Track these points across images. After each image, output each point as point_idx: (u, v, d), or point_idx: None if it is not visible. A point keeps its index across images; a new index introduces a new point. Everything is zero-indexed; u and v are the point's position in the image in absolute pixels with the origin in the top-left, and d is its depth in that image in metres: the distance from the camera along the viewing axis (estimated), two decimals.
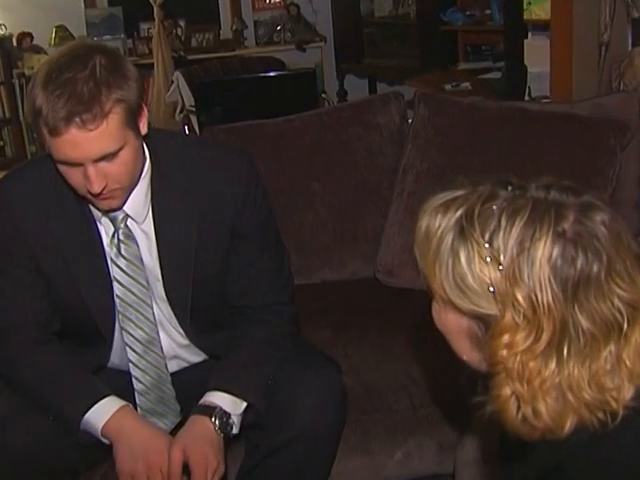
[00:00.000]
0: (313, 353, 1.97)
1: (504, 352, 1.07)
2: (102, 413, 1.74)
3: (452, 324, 1.15)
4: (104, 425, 1.73)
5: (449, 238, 1.10)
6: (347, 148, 2.69)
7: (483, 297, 1.08)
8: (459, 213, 1.10)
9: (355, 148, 2.68)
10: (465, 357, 1.19)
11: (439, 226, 1.11)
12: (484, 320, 1.10)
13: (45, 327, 1.87)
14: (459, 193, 1.14)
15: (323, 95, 5.29)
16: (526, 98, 3.85)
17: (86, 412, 1.74)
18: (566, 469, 1.12)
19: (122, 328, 1.86)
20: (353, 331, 2.36)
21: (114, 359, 1.92)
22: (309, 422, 1.78)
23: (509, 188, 1.12)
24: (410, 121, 2.72)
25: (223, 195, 1.81)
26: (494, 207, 1.09)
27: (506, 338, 1.06)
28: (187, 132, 4.57)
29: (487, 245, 1.07)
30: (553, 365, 1.06)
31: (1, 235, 1.83)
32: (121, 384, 1.85)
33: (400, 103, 2.75)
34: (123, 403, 1.78)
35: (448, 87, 4.48)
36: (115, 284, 1.83)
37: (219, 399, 1.78)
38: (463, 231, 1.09)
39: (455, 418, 2.02)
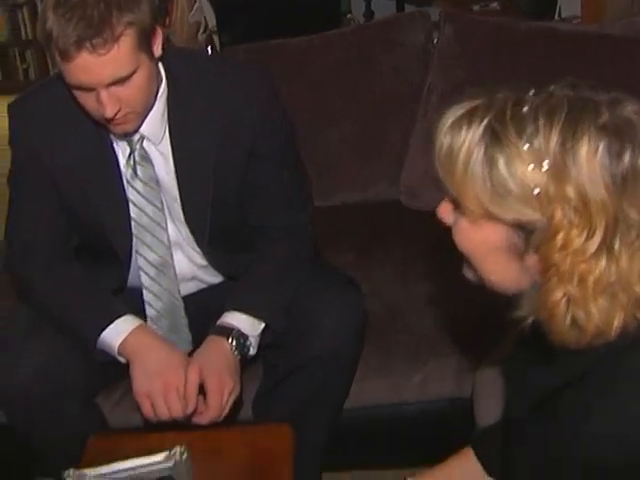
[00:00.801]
0: (334, 275, 1.96)
1: (557, 255, 1.04)
2: (119, 332, 1.74)
3: (486, 241, 1.11)
4: (121, 344, 1.73)
5: (480, 147, 1.05)
6: (371, 67, 2.63)
7: (527, 202, 1.04)
8: (487, 120, 1.06)
9: (379, 67, 2.63)
10: (494, 277, 1.14)
11: (465, 138, 1.07)
12: (526, 228, 1.06)
13: (63, 245, 1.86)
14: (478, 102, 1.10)
15: (349, 16, 5.17)
16: (556, 18, 3.76)
17: (103, 330, 1.74)
18: (593, 378, 1.10)
19: (136, 251, 1.84)
20: (375, 254, 2.35)
21: (132, 281, 1.91)
22: (329, 343, 1.78)
23: (531, 92, 1.08)
24: (435, 41, 2.65)
25: (242, 114, 1.78)
26: (525, 108, 1.05)
27: (560, 239, 1.03)
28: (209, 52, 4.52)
29: (527, 146, 1.03)
30: (604, 262, 1.04)
31: (16, 153, 1.82)
32: (137, 309, 1.84)
33: (426, 22, 2.68)
34: (140, 322, 1.77)
35: (476, 8, 4.39)
36: (131, 206, 1.81)
37: (236, 320, 1.77)
38: (497, 136, 1.04)
39: (475, 342, 2.00)
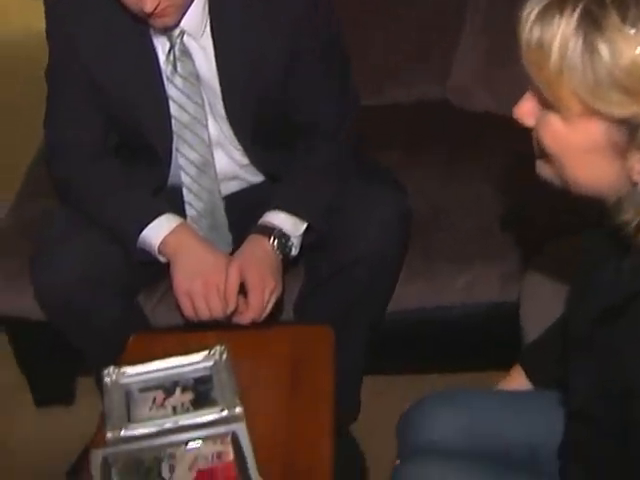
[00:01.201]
0: (378, 174, 1.92)
1: None
2: (159, 230, 1.72)
3: (583, 140, 1.02)
4: (161, 242, 1.71)
5: (578, 36, 0.96)
6: None
7: (634, 92, 0.95)
8: (581, 5, 0.97)
9: None
10: (584, 179, 1.05)
11: (558, 28, 0.97)
12: (631, 123, 0.97)
13: (102, 143, 1.83)
14: None
15: None
16: None
17: (143, 229, 1.72)
18: None
19: (177, 150, 1.80)
20: (421, 154, 2.29)
21: (172, 181, 1.88)
22: (372, 244, 1.74)
23: None
24: None
25: (286, 10, 1.71)
26: None
27: None
28: None
29: (632, 31, 0.94)
30: None
31: (53, 47, 1.78)
32: (177, 209, 1.81)
33: None
34: (181, 220, 1.75)
35: None
36: (171, 103, 1.77)
37: (278, 219, 1.74)
38: (596, 21, 0.95)
39: (523, 244, 1.95)
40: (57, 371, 2.29)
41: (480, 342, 2.09)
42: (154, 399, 1.49)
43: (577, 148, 1.03)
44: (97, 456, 1.37)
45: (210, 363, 1.54)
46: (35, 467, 2.17)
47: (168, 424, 1.42)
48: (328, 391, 1.50)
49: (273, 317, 1.73)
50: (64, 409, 2.32)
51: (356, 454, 2.07)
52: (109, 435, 1.41)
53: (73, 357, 1.97)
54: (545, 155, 1.07)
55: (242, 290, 1.67)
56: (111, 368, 1.54)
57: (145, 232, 1.72)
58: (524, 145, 1.11)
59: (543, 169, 1.10)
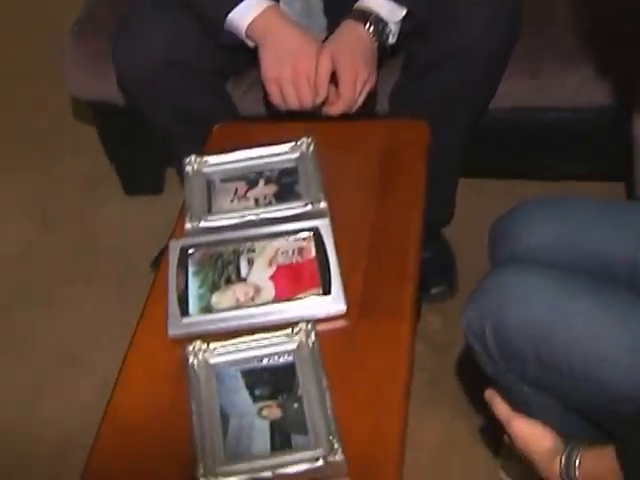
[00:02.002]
0: None
1: None
2: (248, 11, 1.59)
3: None
4: (249, 24, 1.59)
5: None
6: None
7: None
8: None
9: None
10: None
11: None
12: None
13: None
14: None
15: None
16: None
17: (231, 10, 1.60)
18: None
19: None
20: None
21: None
22: (477, 34, 1.59)
23: None
24: None
25: None
26: None
27: None
28: None
29: None
30: None
31: None
32: None
33: None
34: (272, 2, 1.62)
35: None
36: None
37: (376, 4, 1.59)
38: None
39: None
40: (146, 161, 2.26)
41: (584, 150, 1.95)
42: (236, 190, 1.43)
43: None
44: (175, 247, 1.33)
45: (296, 155, 1.46)
46: (122, 257, 2.17)
47: (249, 216, 1.36)
48: (419, 190, 1.41)
49: (365, 110, 1.62)
50: (152, 199, 2.30)
51: (447, 258, 2.00)
52: (188, 226, 1.36)
53: (162, 147, 1.91)
54: None
55: (333, 79, 1.56)
56: (193, 157, 1.48)
57: (233, 14, 1.60)
58: None
59: None
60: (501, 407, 1.16)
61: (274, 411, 1.11)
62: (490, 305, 1.19)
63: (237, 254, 1.30)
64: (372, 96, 1.64)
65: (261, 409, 1.11)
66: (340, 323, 1.21)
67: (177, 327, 1.21)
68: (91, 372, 1.85)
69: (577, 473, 1.03)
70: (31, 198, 2.37)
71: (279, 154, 1.47)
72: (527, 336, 1.14)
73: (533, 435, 1.10)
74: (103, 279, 2.13)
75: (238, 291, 1.26)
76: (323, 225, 1.32)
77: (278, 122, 1.64)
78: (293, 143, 1.47)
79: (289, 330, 1.17)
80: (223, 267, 1.29)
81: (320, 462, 1.02)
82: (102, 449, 1.11)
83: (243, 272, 1.28)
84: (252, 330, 1.19)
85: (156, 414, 1.13)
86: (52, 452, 1.77)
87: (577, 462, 1.03)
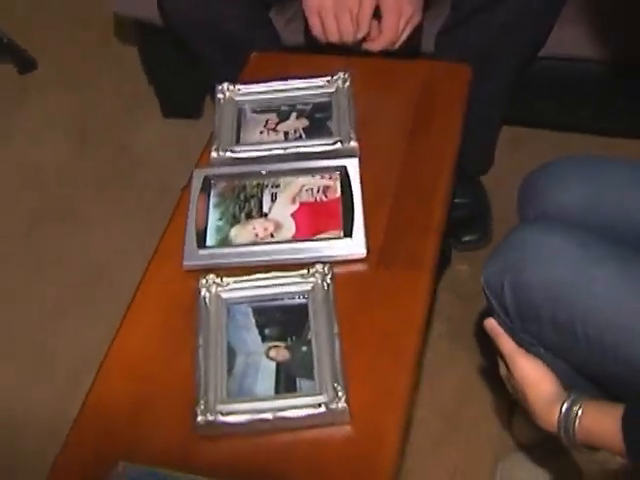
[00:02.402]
0: None
1: None
2: None
3: None
4: None
5: None
6: None
7: None
8: None
9: None
10: None
11: None
12: None
13: None
14: None
15: None
16: None
17: None
18: None
19: None
20: None
21: None
22: None
23: None
24: None
25: None
26: None
27: None
28: None
29: None
30: None
31: None
32: None
33: None
34: None
35: None
36: None
37: None
38: None
39: None
40: (185, 84, 2.22)
41: (629, 105, 1.88)
42: (266, 122, 1.39)
43: None
44: (199, 176, 1.30)
45: (331, 90, 1.42)
46: (156, 180, 2.15)
47: (277, 150, 1.32)
48: (453, 137, 1.35)
49: (408, 49, 1.56)
50: (190, 123, 2.28)
51: (482, 207, 1.95)
52: (214, 155, 1.33)
53: (202, 71, 1.87)
54: None
55: (377, 15, 1.51)
56: (225, 84, 1.44)
57: None
58: None
59: None
60: (505, 340, 1.13)
61: (282, 352, 1.08)
62: (512, 262, 1.15)
63: (260, 188, 1.27)
64: (416, 35, 1.58)
65: (269, 349, 1.09)
66: (358, 267, 1.17)
67: (192, 258, 1.19)
68: (116, 293, 1.84)
69: (577, 424, 1.00)
70: (70, 116, 2.36)
71: (314, 87, 1.42)
72: (546, 297, 1.11)
73: (535, 374, 1.08)
74: (135, 201, 2.12)
75: (258, 226, 1.23)
76: (351, 165, 1.28)
77: (317, 55, 1.58)
78: (329, 77, 1.42)
79: (305, 270, 1.14)
80: (245, 200, 1.26)
81: (322, 408, 1.00)
82: (106, 378, 1.09)
83: (265, 207, 1.25)
84: (268, 267, 1.16)
85: (165, 347, 1.11)
86: (69, 368, 1.78)
87: (579, 413, 1.00)
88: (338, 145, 1.31)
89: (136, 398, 1.07)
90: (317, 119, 1.38)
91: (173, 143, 2.23)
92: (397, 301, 1.13)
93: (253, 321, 1.12)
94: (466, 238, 1.91)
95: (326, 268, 1.14)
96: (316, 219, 1.23)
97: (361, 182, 1.25)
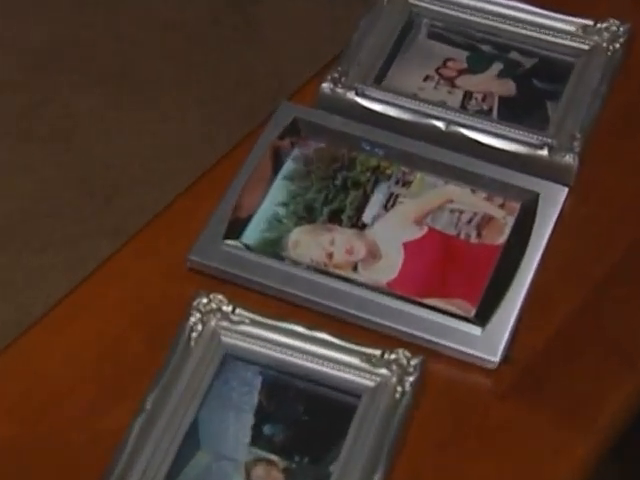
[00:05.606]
0: None
1: None
2: None
3: None
4: None
5: None
6: None
7: None
8: None
9: None
10: None
11: None
12: None
13: None
14: None
15: None
16: None
17: None
18: None
19: None
20: None
21: None
22: None
23: None
24: None
25: None
26: None
27: None
28: None
29: None
30: None
31: None
32: None
33: None
34: None
35: None
36: None
37: None
38: None
39: None
40: None
41: None
42: (444, 62, 0.81)
43: None
44: (284, 114, 0.77)
45: (586, 44, 0.82)
46: None
47: (437, 121, 0.76)
48: None
49: None
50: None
51: None
52: (325, 89, 0.77)
53: None
54: None
55: None
56: None
57: None
58: None
59: None
60: None
61: (274, 476, 0.60)
62: None
63: (376, 177, 0.72)
64: None
65: (256, 463, 0.61)
66: (474, 380, 0.65)
67: (205, 253, 0.68)
68: None
69: None
70: None
71: (557, 31, 0.81)
72: None
73: None
74: None
75: (340, 241, 0.69)
76: (551, 195, 0.71)
77: None
78: (593, 21, 0.81)
79: (378, 351, 0.62)
80: (342, 188, 0.71)
81: None
82: None
83: (369, 212, 0.71)
84: (322, 320, 0.64)
85: (92, 381, 0.63)
86: None
87: None
88: (544, 151, 0.72)
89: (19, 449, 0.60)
90: (533, 89, 0.78)
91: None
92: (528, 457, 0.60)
93: (255, 400, 0.63)
94: None
95: (414, 362, 0.62)
96: (444, 267, 0.69)
97: (554, 231, 0.68)
